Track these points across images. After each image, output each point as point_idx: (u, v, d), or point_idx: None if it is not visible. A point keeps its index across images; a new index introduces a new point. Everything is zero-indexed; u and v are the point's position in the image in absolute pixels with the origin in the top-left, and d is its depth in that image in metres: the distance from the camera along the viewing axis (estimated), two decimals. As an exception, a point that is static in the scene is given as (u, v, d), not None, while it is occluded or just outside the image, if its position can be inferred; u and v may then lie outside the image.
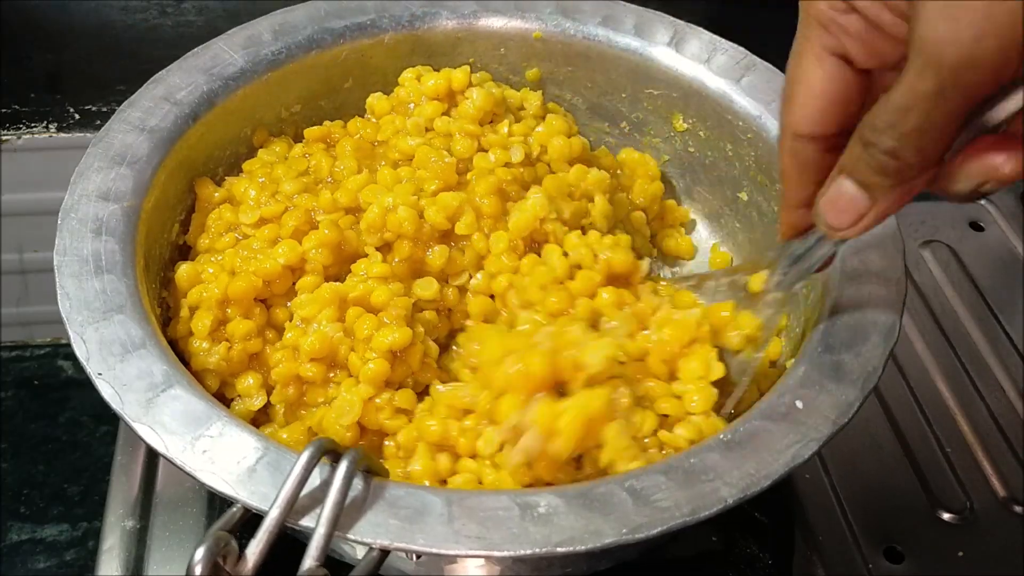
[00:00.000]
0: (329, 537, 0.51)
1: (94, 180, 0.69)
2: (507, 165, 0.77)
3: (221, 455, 0.56)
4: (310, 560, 0.50)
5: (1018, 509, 0.81)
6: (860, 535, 0.79)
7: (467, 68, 0.82)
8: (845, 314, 0.65)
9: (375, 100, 0.83)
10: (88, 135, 0.99)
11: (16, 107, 1.00)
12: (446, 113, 0.81)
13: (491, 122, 0.82)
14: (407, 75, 0.83)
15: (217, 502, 0.78)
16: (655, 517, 0.54)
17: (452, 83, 0.81)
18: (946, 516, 0.80)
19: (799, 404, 0.60)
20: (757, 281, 0.68)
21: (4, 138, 1.00)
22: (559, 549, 0.52)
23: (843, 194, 0.51)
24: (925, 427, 0.86)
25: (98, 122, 1.01)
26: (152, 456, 0.80)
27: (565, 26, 0.85)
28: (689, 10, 0.86)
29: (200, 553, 0.49)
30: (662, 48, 0.83)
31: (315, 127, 0.82)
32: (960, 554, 0.78)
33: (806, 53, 0.51)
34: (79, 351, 0.60)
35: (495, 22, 0.86)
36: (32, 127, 1.00)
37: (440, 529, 0.53)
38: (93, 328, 0.61)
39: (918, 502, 0.81)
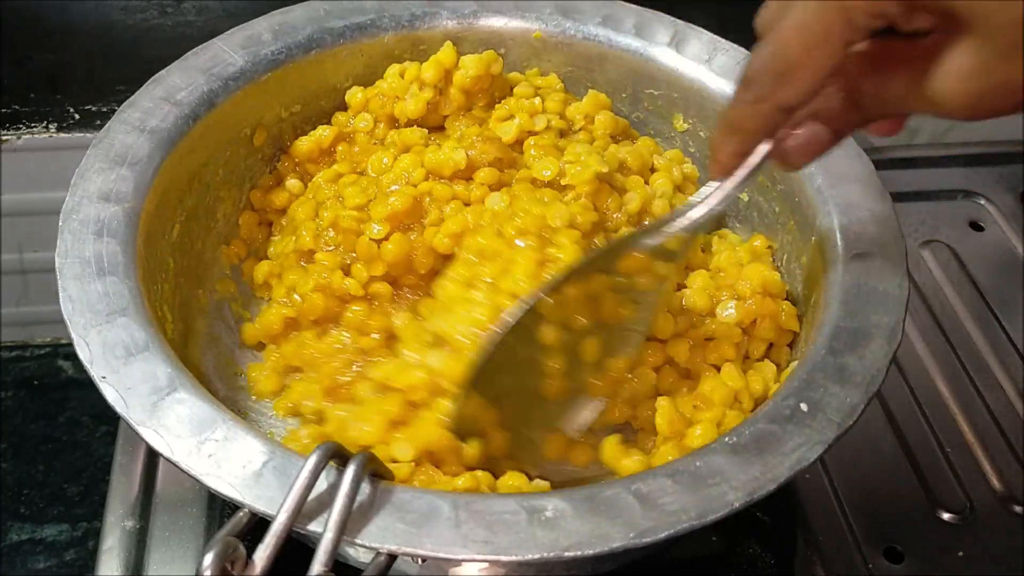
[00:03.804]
0: (337, 542, 0.51)
1: (95, 181, 0.68)
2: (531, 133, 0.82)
3: (227, 459, 0.55)
4: (318, 565, 0.50)
5: (1018, 509, 0.81)
6: (860, 535, 0.79)
7: (450, 44, 0.83)
8: (848, 316, 0.65)
9: (351, 95, 0.84)
10: (88, 135, 0.99)
11: (16, 107, 1.00)
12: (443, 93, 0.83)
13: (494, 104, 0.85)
14: (392, 70, 0.84)
15: (217, 503, 0.78)
16: (662, 521, 0.54)
17: (443, 63, 0.82)
18: (946, 516, 0.80)
19: (803, 407, 0.60)
20: (675, 243, 0.66)
21: (4, 138, 0.99)
22: (567, 554, 0.52)
23: (820, 140, 0.58)
24: (925, 427, 0.86)
25: (98, 122, 1.01)
26: (152, 456, 0.80)
27: (565, 26, 0.86)
28: (688, 9, 0.86)
29: (209, 559, 0.49)
30: (662, 48, 0.84)
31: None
32: (960, 554, 0.78)
33: (823, 44, 0.50)
34: (82, 354, 0.60)
35: (495, 22, 0.86)
36: (32, 127, 1.00)
37: (447, 533, 0.53)
38: (96, 331, 0.61)
39: (918, 502, 0.81)
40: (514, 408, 0.71)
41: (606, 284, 0.69)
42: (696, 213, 0.65)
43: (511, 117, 0.82)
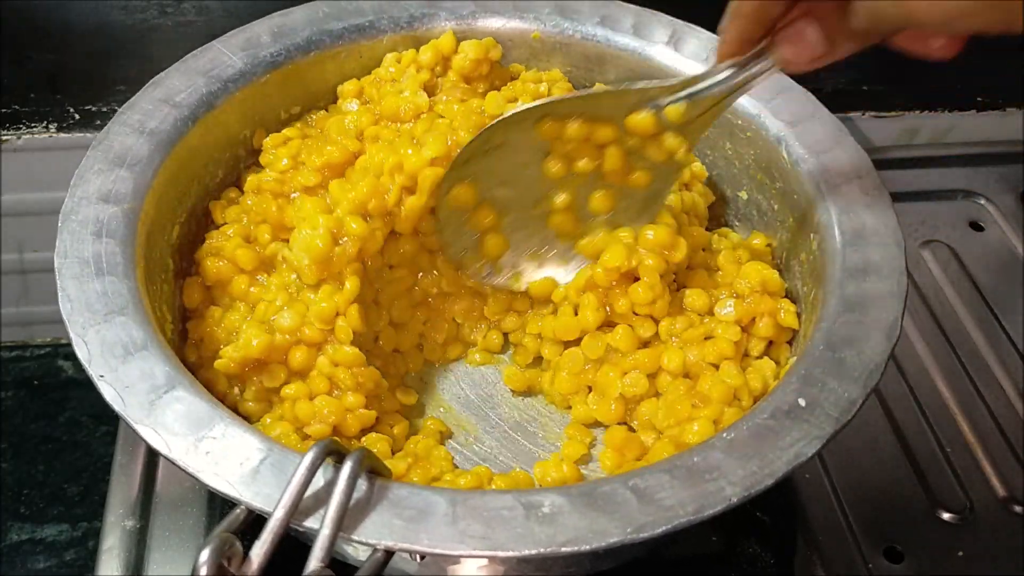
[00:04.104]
0: (334, 538, 0.51)
1: (94, 182, 0.68)
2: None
3: (224, 456, 0.55)
4: (315, 562, 0.50)
5: (1018, 509, 0.81)
6: (860, 535, 0.79)
7: (450, 31, 0.84)
8: (846, 312, 0.66)
9: (343, 87, 0.84)
10: (88, 135, 0.99)
11: (16, 107, 1.00)
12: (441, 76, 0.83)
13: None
14: (389, 57, 0.84)
15: (217, 502, 0.78)
16: (659, 516, 0.54)
17: (442, 48, 0.82)
18: (946, 516, 0.80)
19: (802, 402, 0.60)
20: (675, 113, 0.70)
21: (4, 138, 0.99)
22: (564, 549, 0.52)
23: (807, 37, 0.60)
24: (925, 427, 0.86)
25: (98, 122, 1.01)
26: (152, 456, 0.80)
27: (564, 26, 0.86)
28: (686, 9, 0.86)
29: (205, 555, 0.49)
30: (660, 47, 0.83)
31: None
32: (960, 554, 0.78)
33: None
34: (80, 353, 0.60)
35: (494, 23, 0.86)
36: (32, 127, 1.00)
37: (444, 529, 0.53)
38: (94, 330, 0.61)
39: (918, 502, 0.81)
40: (513, 222, 0.77)
41: (613, 136, 0.72)
42: (696, 86, 0.68)
43: (515, 100, 0.82)
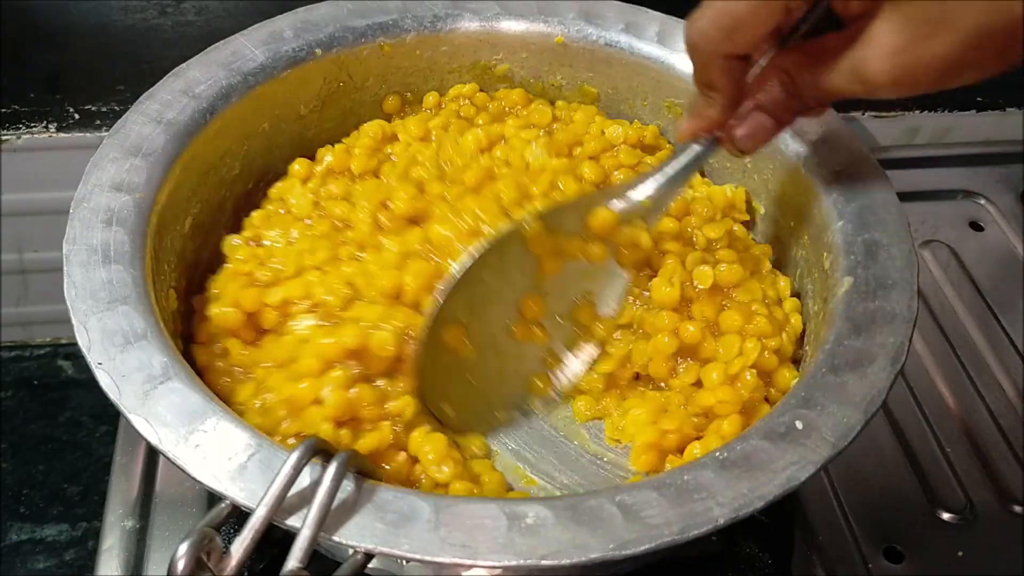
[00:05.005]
0: (313, 539, 0.51)
1: (108, 171, 0.69)
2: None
3: (213, 450, 0.56)
4: (293, 561, 0.50)
5: (1018, 509, 0.81)
6: (860, 535, 0.79)
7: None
8: (852, 334, 0.64)
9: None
10: (88, 135, 1.01)
11: (16, 107, 1.00)
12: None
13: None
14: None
15: (217, 502, 0.78)
16: (643, 534, 0.53)
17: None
18: (946, 516, 0.80)
19: (799, 424, 0.59)
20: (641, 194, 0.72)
21: (4, 138, 1.00)
22: (544, 562, 0.52)
23: (762, 126, 0.64)
24: (925, 427, 0.86)
25: (98, 122, 1.02)
26: (152, 456, 0.81)
27: (587, 31, 0.85)
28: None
29: (183, 548, 0.49)
30: (683, 55, 0.83)
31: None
32: (960, 554, 0.78)
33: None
34: (81, 340, 0.60)
35: (517, 25, 0.86)
36: (32, 127, 1.01)
37: (425, 536, 0.52)
38: (96, 318, 0.61)
39: (918, 502, 0.81)
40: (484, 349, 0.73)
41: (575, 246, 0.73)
42: (665, 171, 0.71)
43: None
